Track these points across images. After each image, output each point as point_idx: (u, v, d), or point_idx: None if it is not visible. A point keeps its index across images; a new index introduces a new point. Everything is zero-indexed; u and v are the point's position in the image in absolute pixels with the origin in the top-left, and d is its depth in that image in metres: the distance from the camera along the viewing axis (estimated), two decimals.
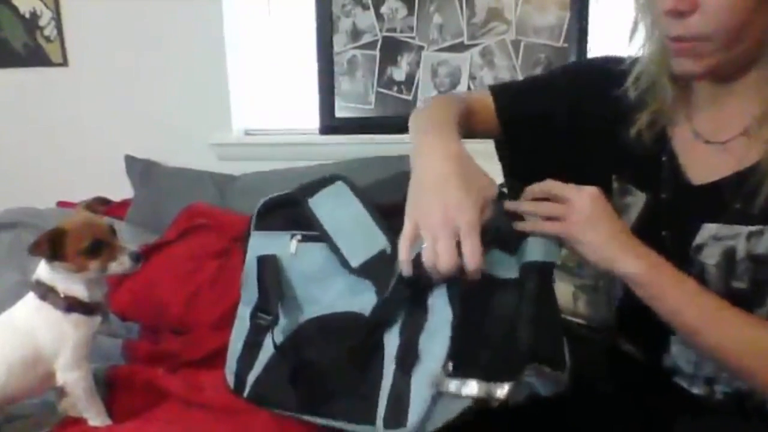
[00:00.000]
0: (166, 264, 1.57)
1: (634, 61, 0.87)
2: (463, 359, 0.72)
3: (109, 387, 1.14)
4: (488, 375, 0.70)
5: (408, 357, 0.75)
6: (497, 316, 0.74)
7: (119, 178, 2.10)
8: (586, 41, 1.91)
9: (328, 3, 2.04)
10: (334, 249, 0.87)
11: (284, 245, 0.93)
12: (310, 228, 0.90)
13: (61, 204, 2.07)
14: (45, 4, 2.16)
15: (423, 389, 0.73)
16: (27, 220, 1.82)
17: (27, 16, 2.18)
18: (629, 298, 0.76)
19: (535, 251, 0.76)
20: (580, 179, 0.79)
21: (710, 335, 0.72)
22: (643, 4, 0.81)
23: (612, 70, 0.89)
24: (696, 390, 0.84)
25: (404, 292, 0.77)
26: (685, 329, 0.73)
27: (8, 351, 1.01)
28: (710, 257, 0.78)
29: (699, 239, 0.80)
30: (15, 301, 1.07)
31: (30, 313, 1.03)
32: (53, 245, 1.00)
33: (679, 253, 0.80)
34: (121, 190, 2.09)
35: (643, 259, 0.74)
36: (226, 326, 1.41)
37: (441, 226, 0.69)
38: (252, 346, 0.95)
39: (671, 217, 0.82)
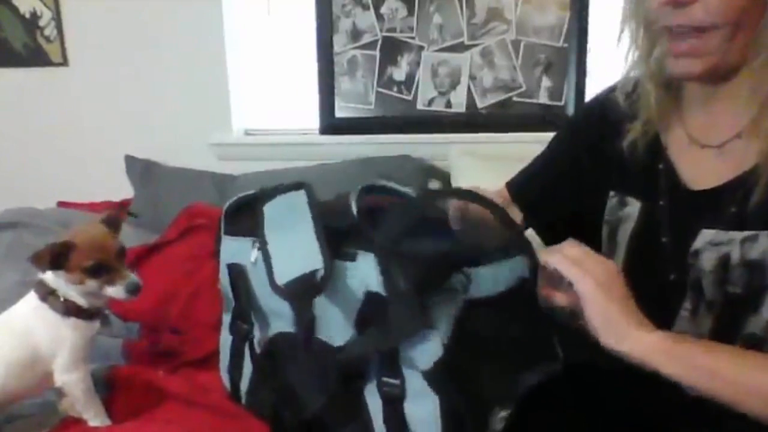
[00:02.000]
0: (166, 264, 1.57)
1: (626, 79, 0.88)
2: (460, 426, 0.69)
3: (109, 387, 1.14)
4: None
5: (396, 425, 0.72)
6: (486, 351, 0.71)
7: (119, 178, 2.10)
8: (586, 41, 1.91)
9: (328, 3, 2.04)
10: (266, 259, 0.80)
11: (247, 252, 0.88)
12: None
13: (61, 204, 2.07)
14: (45, 4, 2.16)
15: None
16: (27, 220, 1.82)
17: (27, 16, 2.18)
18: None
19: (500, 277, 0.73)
20: (579, 201, 0.78)
21: (739, 391, 0.70)
22: (629, 9, 0.80)
23: (608, 100, 0.91)
24: (693, 393, 0.84)
25: (372, 341, 0.72)
26: (714, 392, 0.71)
27: (7, 351, 1.01)
28: (707, 263, 0.78)
29: (697, 245, 0.79)
30: (15, 301, 1.07)
31: (29, 313, 1.04)
32: (57, 256, 0.99)
33: (678, 259, 0.80)
34: (121, 190, 2.09)
35: (648, 334, 0.71)
36: None
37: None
38: (237, 354, 0.95)
39: (670, 224, 0.82)
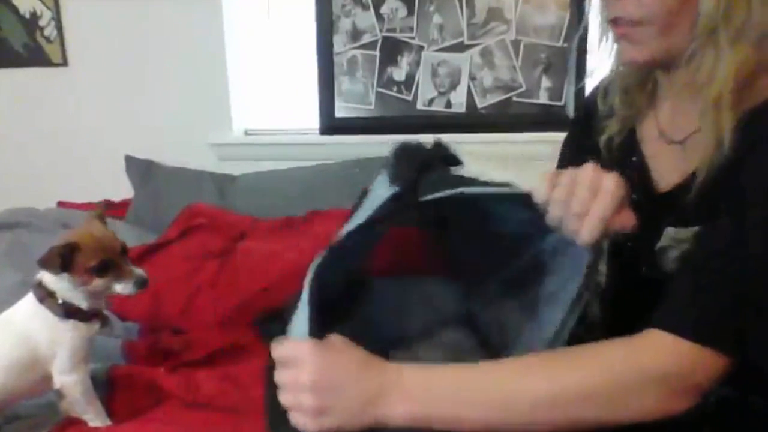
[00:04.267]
0: (166, 264, 1.57)
1: (602, 81, 0.91)
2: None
3: (109, 387, 1.14)
4: None
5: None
6: None
7: (119, 178, 2.10)
8: (586, 41, 1.91)
9: (328, 3, 2.04)
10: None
11: None
12: None
13: (61, 204, 2.07)
14: (45, 4, 2.16)
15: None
16: (27, 220, 1.82)
17: (27, 16, 2.18)
18: (617, 299, 0.76)
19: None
20: None
21: (519, 407, 0.65)
22: (600, 8, 0.83)
23: (589, 100, 0.94)
24: None
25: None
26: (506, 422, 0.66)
27: (6, 351, 1.01)
28: (672, 260, 0.79)
29: (662, 242, 0.80)
30: (15, 302, 1.07)
31: (28, 315, 1.03)
32: (63, 259, 0.99)
33: (646, 256, 0.81)
34: (121, 190, 2.09)
35: (404, 399, 0.65)
36: (226, 326, 1.42)
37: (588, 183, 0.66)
38: None
39: (641, 220, 0.83)
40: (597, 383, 0.65)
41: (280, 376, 0.67)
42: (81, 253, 1.00)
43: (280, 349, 0.68)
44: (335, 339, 0.67)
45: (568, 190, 0.66)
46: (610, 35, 0.84)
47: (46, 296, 1.03)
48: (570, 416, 0.65)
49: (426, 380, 0.67)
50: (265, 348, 0.72)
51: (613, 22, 0.78)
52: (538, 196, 0.68)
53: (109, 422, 1.07)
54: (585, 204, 0.65)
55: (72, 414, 1.09)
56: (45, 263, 0.99)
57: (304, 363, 0.65)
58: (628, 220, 0.67)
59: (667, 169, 0.83)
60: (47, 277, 1.03)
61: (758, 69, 0.71)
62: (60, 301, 1.02)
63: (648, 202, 0.83)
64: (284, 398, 0.66)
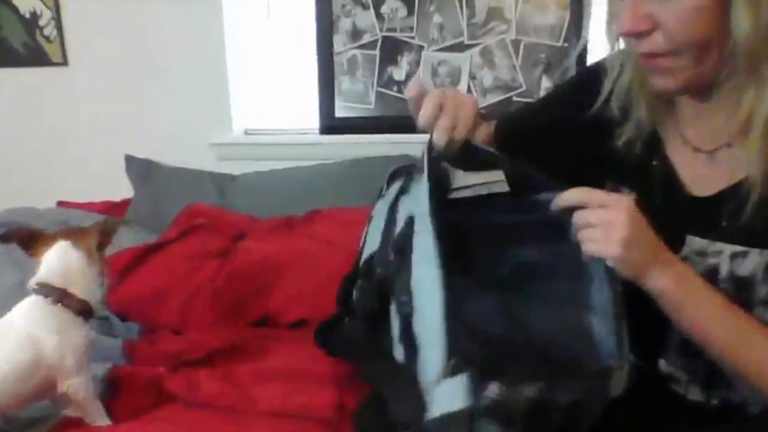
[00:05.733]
0: (166, 264, 1.57)
1: (613, 69, 0.88)
2: (464, 355, 0.67)
3: (110, 387, 1.14)
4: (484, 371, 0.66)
5: (409, 343, 0.73)
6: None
7: (119, 178, 2.10)
8: (585, 41, 1.91)
9: (328, 3, 2.04)
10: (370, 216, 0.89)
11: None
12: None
13: (61, 204, 2.07)
14: (45, 4, 2.16)
15: (427, 380, 0.70)
16: (27, 220, 1.82)
17: (27, 16, 2.18)
18: (633, 305, 0.76)
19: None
20: (575, 182, 0.78)
21: (737, 359, 0.71)
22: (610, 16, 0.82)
23: (595, 77, 0.91)
24: (691, 397, 0.84)
25: (396, 264, 0.75)
26: (711, 350, 0.72)
27: (9, 356, 1.00)
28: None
29: (684, 252, 0.79)
30: (15, 302, 1.06)
31: (34, 317, 1.02)
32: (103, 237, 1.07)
33: None
34: (121, 190, 2.09)
35: (669, 275, 0.71)
36: (226, 326, 1.42)
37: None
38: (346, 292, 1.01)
39: (660, 224, 0.83)
40: None
41: (594, 214, 0.72)
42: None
43: (595, 193, 0.73)
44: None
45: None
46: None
47: (63, 295, 1.02)
48: None
49: (701, 287, 0.72)
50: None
51: (644, 55, 0.75)
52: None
53: (109, 422, 1.07)
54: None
55: (70, 414, 1.09)
56: (108, 233, 1.04)
57: (622, 207, 0.71)
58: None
59: (696, 178, 0.81)
60: (54, 277, 1.04)
61: None
62: (78, 297, 1.03)
63: (675, 206, 0.82)
64: (590, 233, 0.72)
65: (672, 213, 0.82)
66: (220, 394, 1.13)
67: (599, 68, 0.91)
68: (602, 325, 0.71)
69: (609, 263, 0.71)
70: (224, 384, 1.16)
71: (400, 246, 0.75)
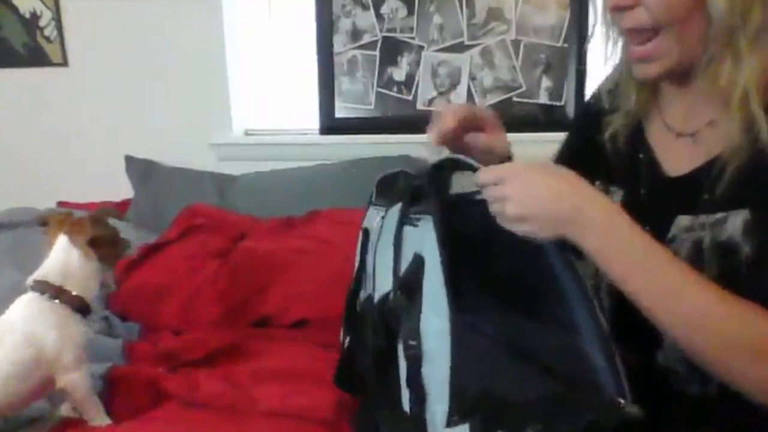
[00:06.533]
0: (166, 264, 1.57)
1: (607, 78, 0.92)
2: (468, 407, 0.67)
3: (109, 387, 1.14)
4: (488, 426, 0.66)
5: (416, 388, 0.73)
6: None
7: (119, 178, 2.10)
8: (585, 41, 1.91)
9: (328, 3, 2.04)
10: (379, 230, 0.89)
11: (375, 219, 0.95)
12: (392, 203, 0.89)
13: (61, 204, 2.07)
14: (45, 4, 2.16)
15: (434, 428, 0.70)
16: (27, 220, 1.82)
17: (27, 16, 2.18)
18: (619, 298, 0.76)
19: None
20: None
21: (664, 313, 0.70)
22: (603, 11, 0.84)
23: (593, 97, 0.96)
24: (691, 390, 0.84)
25: (403, 304, 0.74)
26: (641, 304, 0.70)
27: (9, 354, 1.01)
28: (682, 249, 0.79)
29: (672, 231, 0.80)
30: (15, 301, 1.06)
31: (33, 314, 1.03)
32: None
33: None
34: (121, 190, 2.09)
35: (589, 236, 0.71)
36: (226, 326, 1.42)
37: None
38: (348, 307, 1.00)
39: (650, 211, 0.83)
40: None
41: (489, 191, 0.74)
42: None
43: (485, 171, 0.75)
44: (545, 164, 0.76)
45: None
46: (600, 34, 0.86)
47: (59, 292, 1.03)
48: (719, 359, 0.70)
49: (627, 237, 0.71)
50: None
51: (632, 40, 0.78)
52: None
53: (109, 421, 1.07)
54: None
55: (70, 415, 1.09)
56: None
57: (508, 179, 0.72)
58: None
59: (677, 161, 0.83)
60: (53, 275, 1.04)
61: None
62: (74, 293, 1.04)
63: (658, 192, 0.84)
64: (493, 208, 0.74)
65: (657, 199, 0.84)
66: (219, 395, 1.13)
67: (593, 99, 0.97)
68: (596, 351, 0.71)
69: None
70: (224, 384, 1.16)
71: (407, 284, 0.74)
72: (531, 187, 0.72)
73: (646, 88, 0.87)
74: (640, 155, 0.87)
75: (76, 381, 1.04)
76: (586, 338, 0.71)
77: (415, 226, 0.78)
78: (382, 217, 0.91)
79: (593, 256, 0.71)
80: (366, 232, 0.97)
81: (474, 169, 0.78)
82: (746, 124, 0.72)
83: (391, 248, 0.80)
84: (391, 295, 0.79)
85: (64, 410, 1.10)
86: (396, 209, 0.84)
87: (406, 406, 0.75)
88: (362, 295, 0.95)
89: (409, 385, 0.73)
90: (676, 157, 0.84)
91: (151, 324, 1.47)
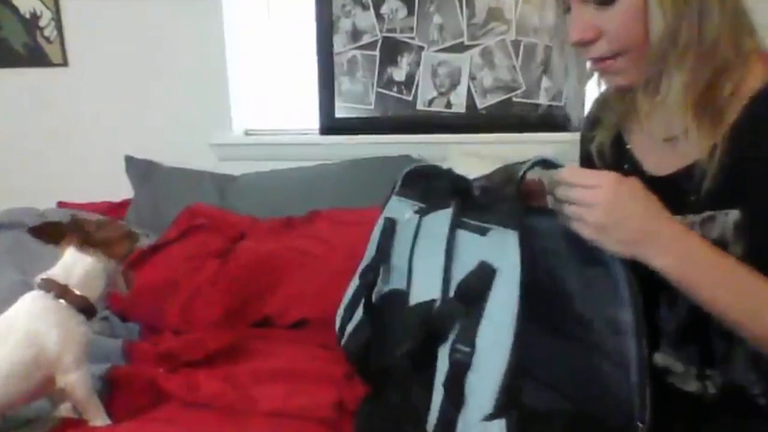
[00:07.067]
0: (166, 264, 1.57)
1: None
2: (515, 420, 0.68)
3: (109, 387, 1.14)
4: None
5: (455, 393, 0.73)
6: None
7: (119, 178, 2.10)
8: None
9: (328, 3, 2.04)
10: (417, 226, 0.87)
11: (405, 211, 0.95)
12: (436, 203, 0.88)
13: (61, 204, 2.07)
14: (45, 5, 2.16)
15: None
16: (27, 220, 1.82)
17: (27, 16, 2.18)
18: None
19: None
20: None
21: (754, 325, 0.71)
22: (555, 38, 0.89)
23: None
24: (689, 388, 0.84)
25: (459, 309, 0.74)
26: (728, 320, 0.72)
27: (10, 353, 1.01)
28: None
29: None
30: (15, 301, 1.06)
31: (35, 313, 1.03)
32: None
33: None
34: (121, 190, 2.09)
35: (671, 253, 0.72)
36: (226, 326, 1.42)
37: None
38: (356, 299, 0.99)
39: None
40: None
41: (576, 192, 0.73)
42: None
43: (579, 172, 0.76)
44: (636, 181, 0.74)
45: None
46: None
47: (64, 291, 1.03)
48: None
49: (701, 255, 0.73)
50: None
51: (591, 60, 0.83)
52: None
53: (109, 421, 1.07)
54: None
55: (69, 415, 1.09)
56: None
57: (603, 187, 0.73)
58: None
59: (658, 162, 0.86)
60: (59, 273, 1.04)
61: (721, 65, 0.76)
62: (78, 293, 1.04)
63: None
64: (571, 209, 0.74)
65: None
66: (219, 395, 1.13)
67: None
68: (619, 373, 0.72)
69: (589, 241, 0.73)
70: (224, 384, 1.16)
71: (467, 293, 0.74)
72: (625, 202, 0.72)
73: (626, 101, 0.90)
74: (625, 166, 0.90)
75: (77, 381, 1.04)
76: (631, 366, 0.72)
77: (482, 234, 0.77)
78: (416, 213, 0.90)
79: (675, 281, 0.72)
80: (391, 222, 0.96)
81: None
82: (705, 133, 0.77)
83: (442, 255, 0.79)
84: (438, 303, 0.78)
85: (64, 410, 1.10)
86: (444, 213, 0.83)
87: (435, 409, 0.75)
88: (381, 286, 0.94)
89: (447, 388, 0.73)
90: (657, 159, 0.86)
91: (151, 324, 1.46)
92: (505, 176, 0.79)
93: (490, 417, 0.67)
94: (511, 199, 0.75)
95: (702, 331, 0.81)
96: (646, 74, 0.80)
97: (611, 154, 0.93)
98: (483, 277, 0.73)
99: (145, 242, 1.15)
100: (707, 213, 0.79)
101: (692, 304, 0.76)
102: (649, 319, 0.75)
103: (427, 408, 0.76)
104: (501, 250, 0.72)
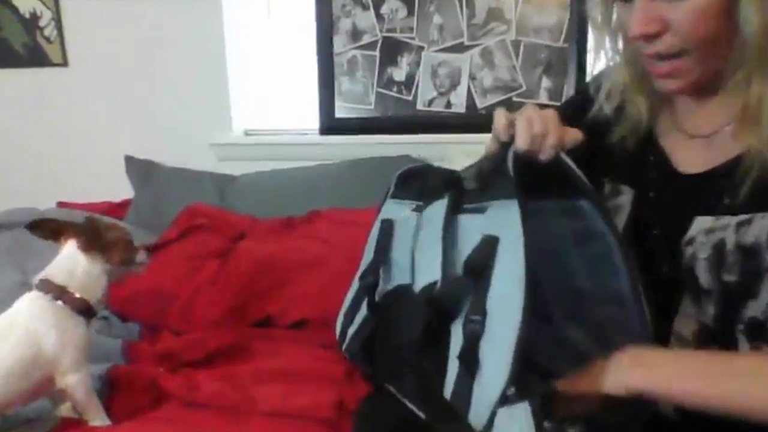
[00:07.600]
0: (166, 264, 1.57)
1: (597, 77, 0.90)
2: (528, 385, 0.68)
3: (109, 387, 1.14)
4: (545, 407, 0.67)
5: (469, 362, 0.72)
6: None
7: (119, 178, 2.10)
8: (585, 41, 1.91)
9: (328, 3, 2.04)
10: (417, 224, 0.88)
11: (402, 211, 0.95)
12: (431, 198, 0.88)
13: (61, 204, 2.07)
14: (45, 5, 2.16)
15: (482, 402, 0.70)
16: (27, 220, 1.82)
17: (27, 16, 2.18)
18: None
19: None
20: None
21: (745, 406, 0.69)
22: (602, 22, 0.83)
23: (580, 99, 0.95)
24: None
25: (468, 285, 0.74)
26: (719, 411, 0.70)
27: (9, 352, 1.01)
28: (701, 251, 0.78)
29: (691, 233, 0.79)
30: (15, 301, 1.06)
31: (34, 313, 1.03)
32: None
33: (670, 247, 0.81)
34: (121, 190, 2.09)
35: (634, 377, 0.71)
36: (226, 326, 1.42)
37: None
38: (356, 303, 0.99)
39: (662, 212, 0.82)
40: None
41: None
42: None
43: None
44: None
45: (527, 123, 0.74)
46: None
47: (62, 293, 1.03)
48: None
49: (673, 362, 0.72)
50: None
51: (655, 57, 0.77)
52: (500, 131, 0.76)
53: (109, 422, 1.07)
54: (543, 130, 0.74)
55: (69, 415, 1.09)
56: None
57: None
58: (575, 134, 0.77)
59: (690, 160, 0.83)
60: (58, 274, 1.04)
61: None
62: (77, 295, 1.04)
63: (672, 190, 0.83)
64: None
65: (672, 199, 0.83)
66: (220, 395, 1.13)
67: (582, 95, 0.96)
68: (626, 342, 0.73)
69: None
70: (224, 384, 1.16)
71: (473, 267, 0.74)
72: None
73: (655, 100, 0.85)
74: (651, 157, 0.86)
75: (76, 383, 1.04)
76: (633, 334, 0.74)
77: (481, 212, 0.77)
78: (413, 210, 0.90)
79: (650, 392, 0.70)
80: (389, 223, 0.96)
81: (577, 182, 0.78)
82: (754, 131, 0.73)
83: (439, 241, 0.80)
84: (439, 283, 0.79)
85: (64, 410, 1.10)
86: (440, 203, 0.83)
87: (450, 382, 0.74)
88: (384, 286, 0.94)
89: (462, 359, 0.73)
90: (689, 157, 0.83)
91: (151, 324, 1.47)
92: (497, 157, 0.79)
93: (508, 396, 0.68)
94: (507, 174, 0.75)
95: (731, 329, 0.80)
96: (702, 79, 0.76)
97: (634, 143, 0.87)
98: (486, 248, 0.73)
99: (142, 257, 1.16)
100: (743, 216, 0.75)
101: (716, 302, 0.76)
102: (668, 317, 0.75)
103: (442, 384, 0.75)
104: (502, 219, 0.73)
